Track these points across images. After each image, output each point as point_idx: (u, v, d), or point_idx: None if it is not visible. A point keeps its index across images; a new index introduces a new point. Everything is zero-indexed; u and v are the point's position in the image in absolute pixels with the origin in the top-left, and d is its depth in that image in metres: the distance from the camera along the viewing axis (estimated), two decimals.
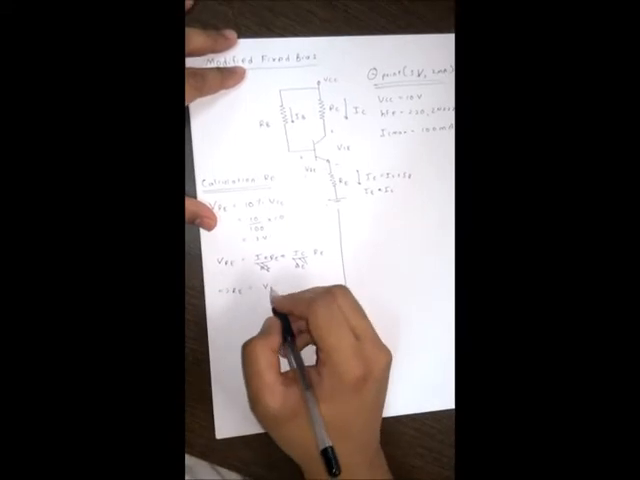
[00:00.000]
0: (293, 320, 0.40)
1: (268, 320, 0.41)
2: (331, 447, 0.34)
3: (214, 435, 0.42)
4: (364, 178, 0.45)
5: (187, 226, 0.43)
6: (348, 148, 0.45)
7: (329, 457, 0.34)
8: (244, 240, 0.44)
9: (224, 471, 0.43)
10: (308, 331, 0.37)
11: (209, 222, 0.43)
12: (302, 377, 0.37)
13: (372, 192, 0.45)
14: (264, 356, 0.37)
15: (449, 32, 0.46)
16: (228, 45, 0.43)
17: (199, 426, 0.42)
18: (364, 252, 0.45)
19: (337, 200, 0.45)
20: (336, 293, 0.38)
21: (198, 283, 0.43)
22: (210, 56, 0.44)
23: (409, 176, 0.46)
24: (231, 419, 0.42)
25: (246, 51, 0.44)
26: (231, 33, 0.43)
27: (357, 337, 0.37)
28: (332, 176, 0.45)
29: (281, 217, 0.44)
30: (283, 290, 0.43)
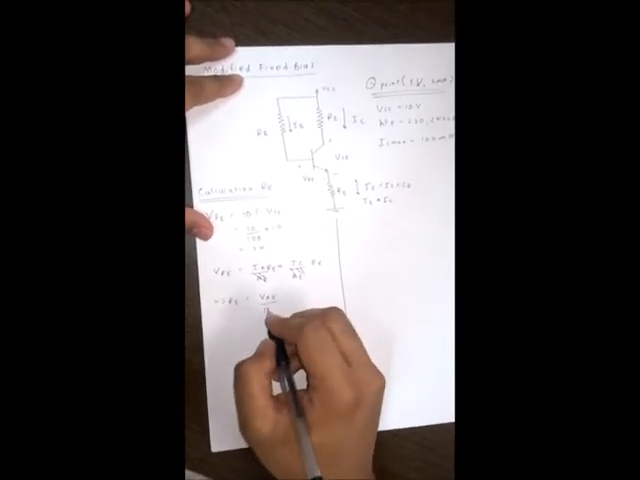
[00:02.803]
0: (287, 344, 0.40)
1: (263, 343, 0.41)
2: (320, 478, 0.34)
3: (209, 448, 0.42)
4: (363, 188, 0.45)
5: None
6: (347, 157, 0.45)
7: None
8: (241, 250, 0.43)
9: None
10: (297, 356, 0.37)
11: (206, 232, 0.42)
12: (294, 404, 0.36)
13: (371, 202, 0.45)
14: (256, 379, 0.37)
15: (448, 41, 0.46)
16: (226, 53, 0.43)
17: (194, 439, 0.42)
18: (362, 262, 0.44)
19: (335, 210, 0.44)
20: (327, 316, 0.37)
21: (194, 293, 0.42)
22: (207, 64, 0.43)
23: (408, 186, 0.45)
24: (227, 432, 0.42)
25: (244, 59, 0.44)
26: (229, 41, 0.43)
27: (348, 362, 0.36)
28: (330, 186, 0.45)
29: (279, 227, 0.44)
30: (280, 302, 0.43)
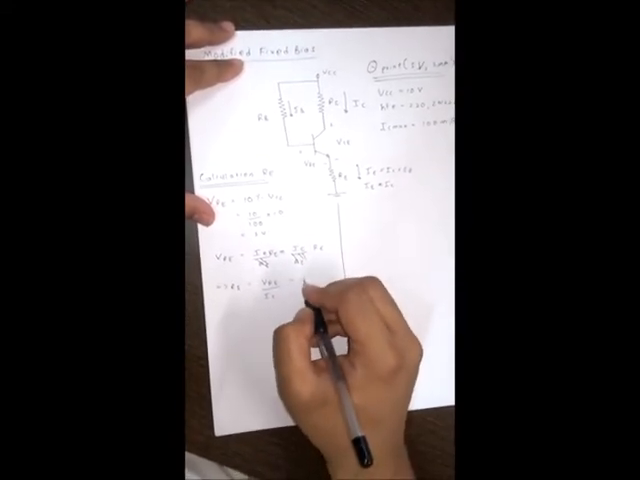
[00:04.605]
0: (325, 312, 0.40)
1: (301, 310, 0.41)
2: (363, 437, 0.34)
3: (213, 432, 0.42)
4: (364, 172, 0.45)
5: (185, 221, 0.42)
6: (348, 142, 0.45)
7: (361, 447, 0.33)
8: (243, 235, 0.43)
9: (231, 470, 0.43)
10: (339, 322, 0.37)
11: (207, 217, 0.42)
12: (334, 367, 0.36)
13: (372, 187, 0.45)
14: (296, 342, 0.37)
15: (450, 24, 0.46)
16: (226, 37, 0.43)
17: (198, 423, 0.42)
18: (364, 247, 0.44)
19: (337, 195, 0.44)
20: (366, 284, 0.38)
21: (196, 279, 0.42)
22: (207, 48, 0.43)
23: (409, 170, 0.45)
24: (230, 416, 0.42)
25: (244, 43, 0.44)
26: (229, 25, 0.43)
27: (389, 328, 0.37)
28: (332, 171, 0.44)
29: (280, 212, 0.44)
30: (283, 287, 0.43)
